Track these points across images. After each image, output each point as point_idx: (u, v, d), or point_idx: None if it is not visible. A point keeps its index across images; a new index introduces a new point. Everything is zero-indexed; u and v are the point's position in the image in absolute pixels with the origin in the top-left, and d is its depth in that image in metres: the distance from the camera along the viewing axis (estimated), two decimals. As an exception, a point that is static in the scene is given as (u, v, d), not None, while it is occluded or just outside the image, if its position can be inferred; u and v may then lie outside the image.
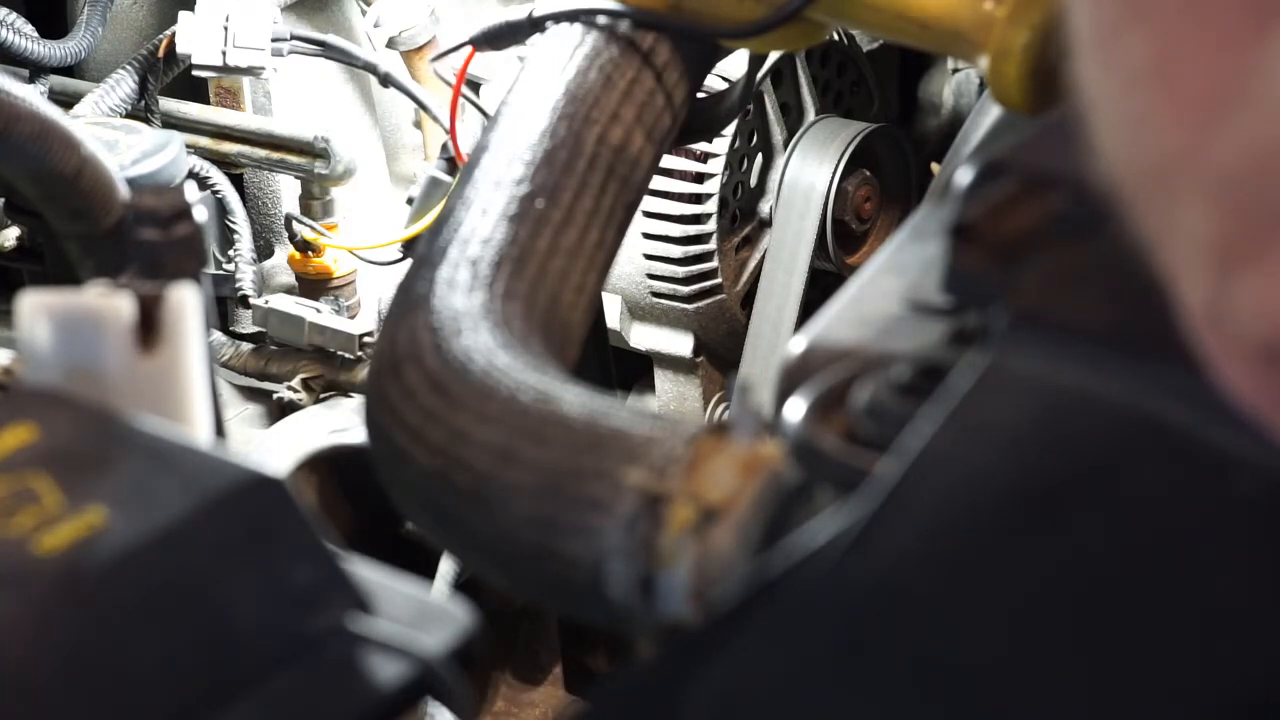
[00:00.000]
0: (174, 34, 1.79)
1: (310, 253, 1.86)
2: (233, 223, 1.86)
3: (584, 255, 0.89)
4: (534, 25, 1.00)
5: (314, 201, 1.88)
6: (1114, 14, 0.35)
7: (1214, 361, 0.35)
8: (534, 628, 1.96)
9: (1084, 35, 0.37)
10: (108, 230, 1.25)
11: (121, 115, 1.81)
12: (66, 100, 1.82)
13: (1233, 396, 0.36)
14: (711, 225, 1.80)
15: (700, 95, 1.02)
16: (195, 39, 1.77)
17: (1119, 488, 0.48)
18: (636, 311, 1.89)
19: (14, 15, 1.84)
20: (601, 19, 0.97)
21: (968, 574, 0.48)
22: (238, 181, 1.92)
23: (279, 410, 1.86)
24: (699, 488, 0.66)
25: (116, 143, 1.57)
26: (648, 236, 1.81)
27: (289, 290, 1.91)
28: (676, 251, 1.81)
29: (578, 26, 0.97)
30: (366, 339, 1.81)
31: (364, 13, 1.89)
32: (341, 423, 1.80)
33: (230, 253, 1.86)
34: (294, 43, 1.81)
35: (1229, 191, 0.33)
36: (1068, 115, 0.38)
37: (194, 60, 1.78)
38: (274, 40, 1.78)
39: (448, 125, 1.53)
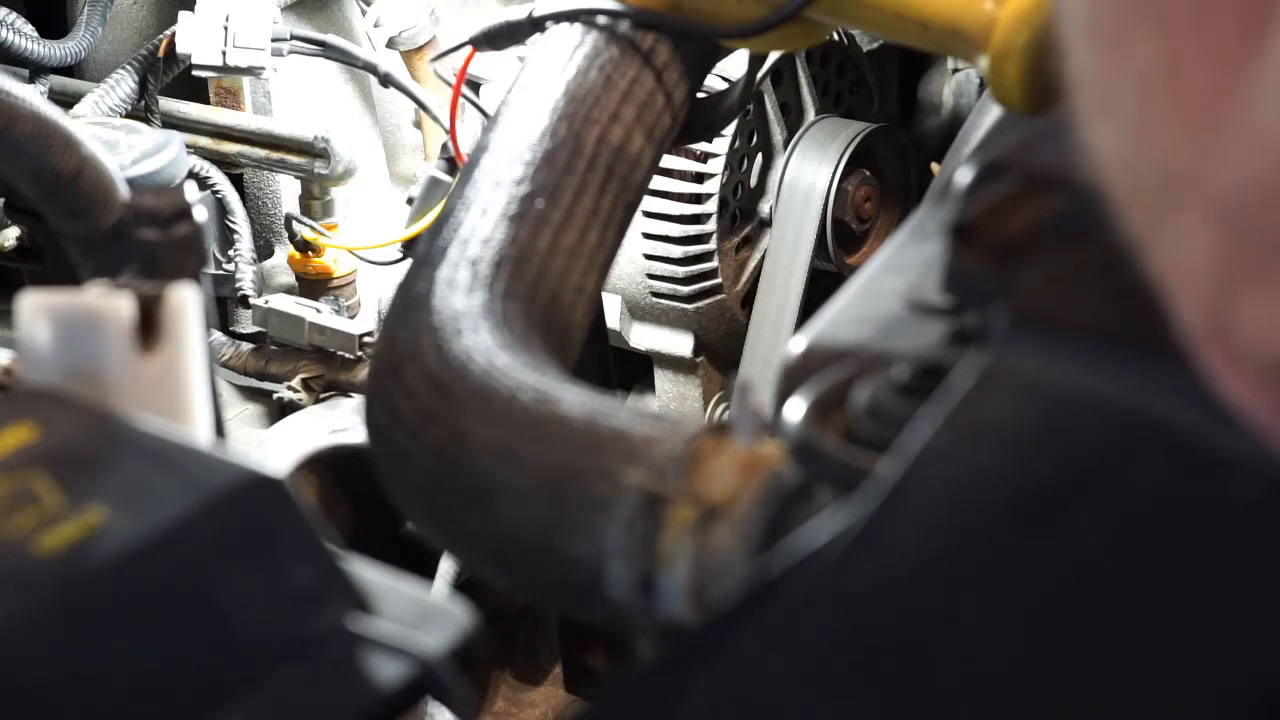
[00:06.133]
0: (174, 34, 1.79)
1: (310, 253, 1.86)
2: (233, 223, 1.86)
3: (584, 255, 0.89)
4: (534, 25, 1.00)
5: (314, 201, 1.88)
6: (1123, 15, 0.35)
7: (1215, 373, 0.35)
8: (534, 628, 1.96)
9: (1089, 31, 0.36)
10: (108, 230, 1.25)
11: (121, 115, 1.81)
12: (66, 100, 1.82)
13: (1235, 408, 0.35)
14: (711, 225, 1.80)
15: (700, 95, 1.02)
16: (195, 39, 1.77)
17: (1119, 488, 0.48)
18: (636, 311, 1.89)
19: (14, 15, 1.84)
20: (601, 19, 0.97)
21: (967, 574, 0.48)
22: (238, 181, 1.92)
23: (279, 410, 1.86)
24: (699, 488, 0.66)
25: (116, 143, 1.57)
26: (648, 236, 1.81)
27: (289, 290, 1.91)
28: (676, 251, 1.81)
29: (578, 26, 0.97)
30: (366, 339, 1.81)
31: (364, 13, 1.90)
32: (341, 423, 1.80)
33: (230, 253, 1.86)
34: (294, 43, 1.81)
35: (1231, 213, 0.33)
36: (1068, 115, 0.38)
37: (194, 60, 1.78)
38: (274, 40, 1.78)
39: (448, 125, 1.53)
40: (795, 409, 0.62)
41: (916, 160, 1.92)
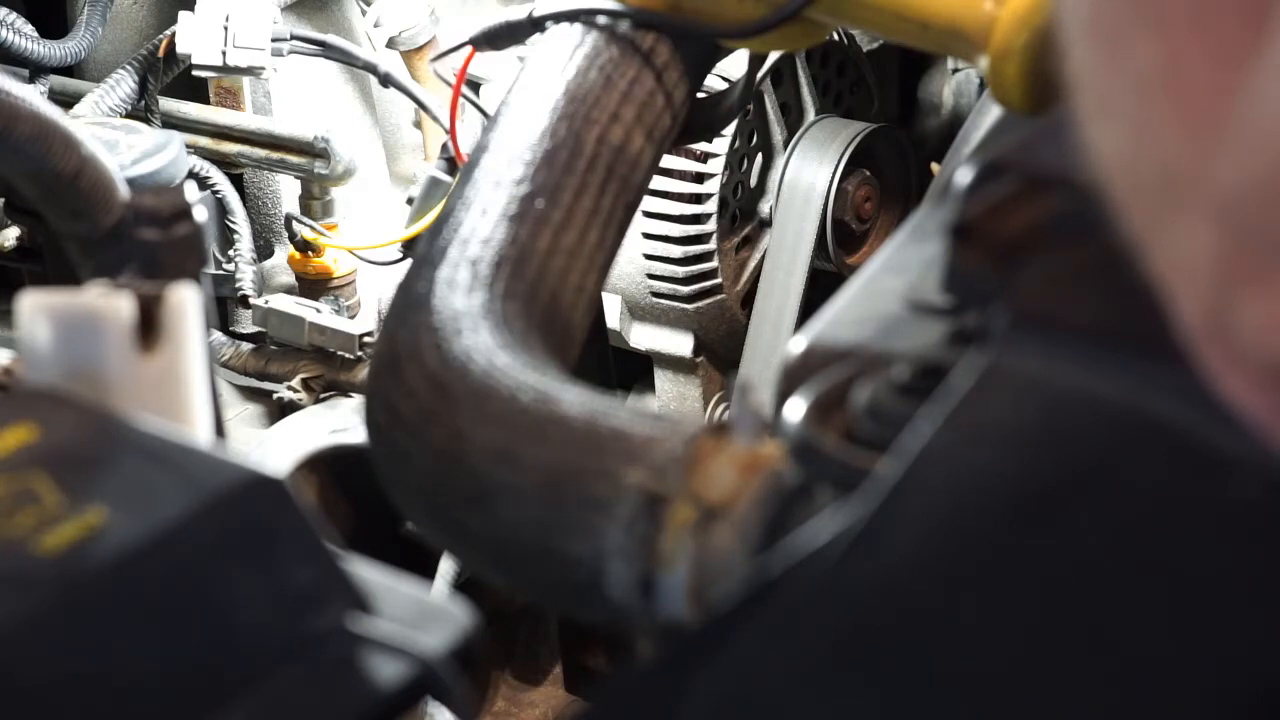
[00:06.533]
0: (174, 34, 1.79)
1: (310, 253, 1.86)
2: (233, 223, 1.86)
3: (584, 255, 0.89)
4: (534, 25, 1.00)
5: (314, 201, 1.88)
6: (1123, 14, 0.35)
7: (1215, 373, 0.35)
8: (534, 628, 1.96)
9: (1089, 31, 0.36)
10: (108, 230, 1.25)
11: (121, 115, 1.81)
12: (66, 100, 1.82)
13: (1235, 408, 0.35)
14: (711, 225, 1.80)
15: (700, 95, 1.02)
16: (195, 39, 1.77)
17: (1118, 488, 0.48)
18: (636, 311, 1.89)
19: (14, 15, 1.84)
20: (601, 19, 0.97)
21: (967, 574, 0.48)
22: (238, 181, 1.92)
23: (279, 410, 1.86)
24: (699, 488, 0.66)
25: (116, 143, 1.57)
26: (648, 236, 1.81)
27: (289, 290, 1.91)
28: (676, 251, 1.81)
29: (578, 26, 0.97)
30: (366, 339, 1.81)
31: (364, 13, 1.90)
32: (341, 423, 1.80)
33: (230, 253, 1.86)
34: (294, 43, 1.81)
35: (1231, 213, 0.33)
36: (1068, 115, 0.38)
37: (194, 60, 1.78)
38: (274, 40, 1.78)
39: (448, 125, 1.53)
40: (795, 409, 0.62)
41: (916, 160, 1.92)
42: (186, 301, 0.63)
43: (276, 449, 1.77)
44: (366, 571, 0.58)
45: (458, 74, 1.15)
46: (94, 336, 0.61)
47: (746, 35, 0.97)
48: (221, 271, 1.86)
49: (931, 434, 0.51)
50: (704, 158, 1.78)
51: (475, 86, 1.84)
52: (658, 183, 1.75)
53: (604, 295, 1.74)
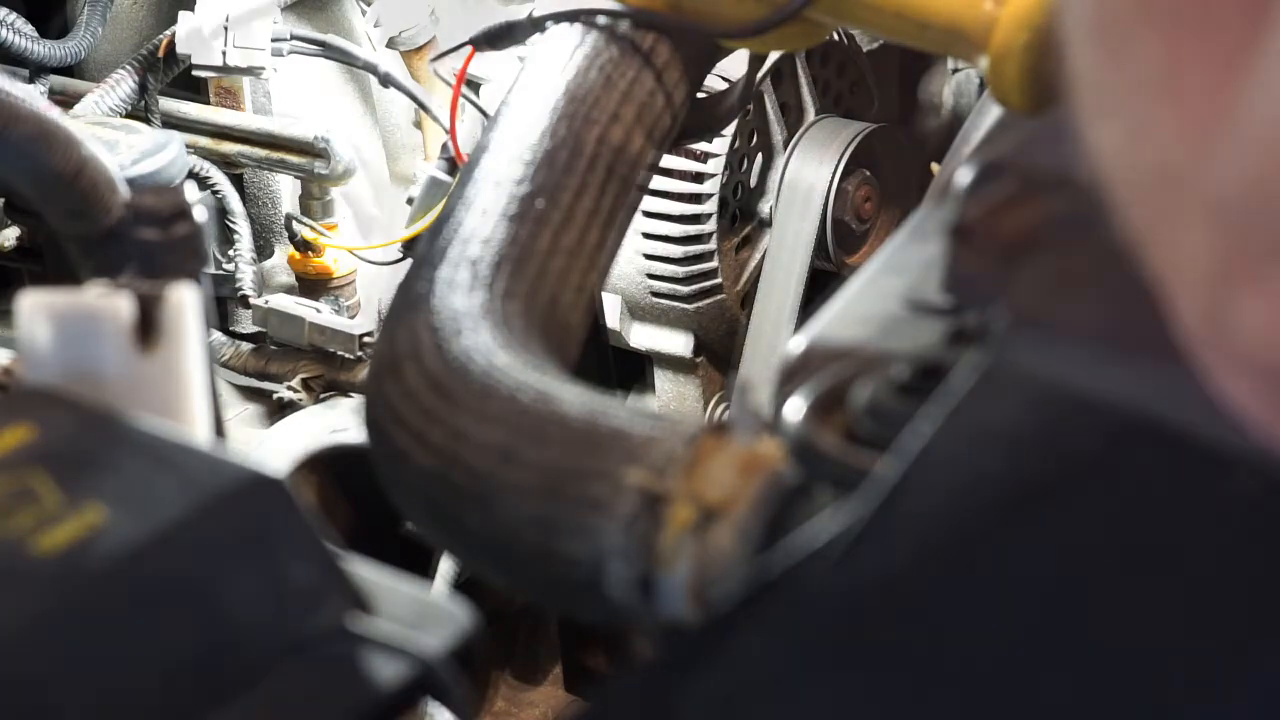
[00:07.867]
0: (174, 34, 1.79)
1: (310, 253, 1.86)
2: (233, 223, 1.86)
3: (584, 255, 0.89)
4: (534, 25, 1.01)
5: (314, 201, 1.88)
6: (1124, 14, 0.35)
7: (1213, 374, 0.35)
8: (534, 628, 1.96)
9: (1091, 31, 0.36)
10: (108, 230, 1.25)
11: (121, 115, 1.81)
12: (66, 100, 1.82)
13: (1234, 408, 0.36)
14: (711, 225, 1.80)
15: (700, 95, 1.02)
16: (195, 39, 1.77)
17: (1118, 488, 0.48)
18: (636, 311, 1.89)
19: (14, 15, 1.84)
20: (601, 19, 0.97)
21: (967, 573, 0.48)
22: (238, 181, 1.92)
23: (279, 410, 1.86)
24: (699, 488, 0.66)
25: (116, 143, 1.57)
26: (648, 236, 1.81)
27: (289, 290, 1.91)
28: (676, 251, 1.81)
29: (578, 26, 0.97)
30: (366, 339, 1.81)
31: (364, 13, 1.89)
32: (341, 423, 1.80)
33: (230, 253, 1.86)
34: (294, 43, 1.81)
35: (1229, 213, 0.33)
36: (1068, 115, 0.38)
37: (194, 60, 1.78)
38: (274, 40, 1.78)
39: (448, 125, 1.53)
40: (795, 409, 0.62)
41: (916, 160, 1.92)
42: (186, 301, 0.63)
43: (276, 449, 1.77)
44: (366, 571, 0.58)
45: (458, 74, 1.15)
46: (94, 336, 0.61)
47: (746, 35, 0.97)
48: (221, 271, 1.86)
49: (931, 434, 0.51)
50: (704, 158, 1.78)
51: (475, 86, 1.84)
52: (658, 183, 1.75)
53: (604, 295, 1.74)
